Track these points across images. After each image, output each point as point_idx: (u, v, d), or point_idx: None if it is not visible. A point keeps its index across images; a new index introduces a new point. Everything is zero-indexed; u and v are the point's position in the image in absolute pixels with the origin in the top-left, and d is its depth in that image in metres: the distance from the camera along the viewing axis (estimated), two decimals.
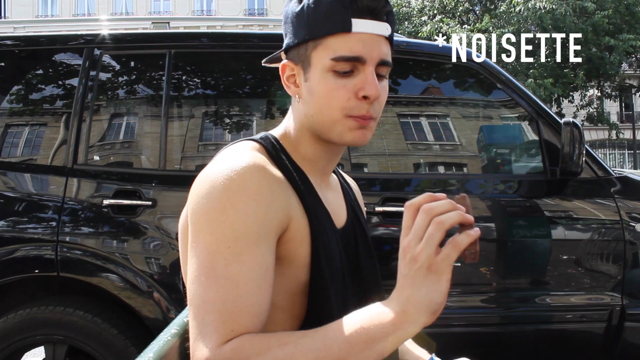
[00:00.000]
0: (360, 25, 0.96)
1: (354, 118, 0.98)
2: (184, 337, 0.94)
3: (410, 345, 1.26)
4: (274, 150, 1.03)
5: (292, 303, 0.97)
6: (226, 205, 0.89)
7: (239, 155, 0.96)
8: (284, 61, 1.04)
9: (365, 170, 2.82)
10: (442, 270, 0.79)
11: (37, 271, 2.51)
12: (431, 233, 0.79)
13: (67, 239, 2.48)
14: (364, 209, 1.28)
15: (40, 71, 2.83)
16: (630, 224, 2.65)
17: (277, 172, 0.97)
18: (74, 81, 2.69)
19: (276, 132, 1.09)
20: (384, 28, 0.99)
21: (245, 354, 0.82)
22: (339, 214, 1.10)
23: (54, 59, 2.82)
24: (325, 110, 0.99)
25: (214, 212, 0.89)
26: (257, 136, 1.07)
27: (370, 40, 0.98)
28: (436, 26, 17.59)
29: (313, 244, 0.98)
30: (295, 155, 1.05)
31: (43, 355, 2.58)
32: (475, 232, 0.80)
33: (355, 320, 0.83)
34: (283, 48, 1.04)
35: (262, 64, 1.15)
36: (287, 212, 0.95)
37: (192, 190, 0.96)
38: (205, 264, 0.87)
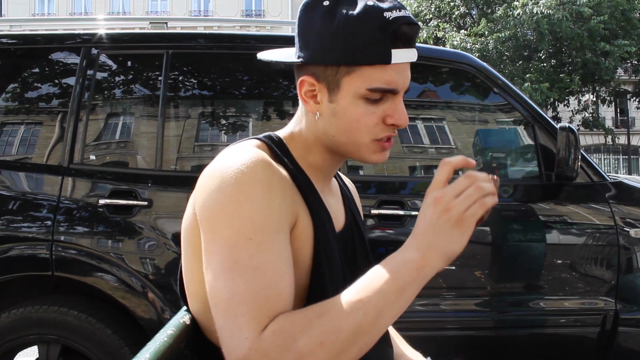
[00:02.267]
0: (398, 56, 0.95)
1: (380, 142, 1.01)
2: (180, 338, 0.94)
3: (405, 348, 1.27)
4: (279, 151, 1.03)
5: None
6: (241, 197, 0.89)
7: (246, 151, 0.95)
8: (304, 76, 1.00)
9: (361, 172, 2.82)
10: (469, 225, 0.88)
11: (31, 270, 2.50)
12: (470, 193, 0.88)
13: (62, 238, 2.48)
14: (362, 212, 1.29)
15: (37, 70, 2.82)
16: (625, 229, 2.66)
17: (283, 171, 0.97)
18: (71, 80, 2.68)
19: (282, 133, 1.08)
20: (414, 54, 0.99)
21: (290, 334, 0.82)
22: (338, 218, 1.10)
23: (50, 57, 2.81)
24: (353, 133, 0.99)
25: (229, 205, 0.89)
26: (261, 135, 1.06)
27: (403, 70, 0.98)
28: (431, 31, 17.63)
29: (315, 246, 0.98)
30: (301, 160, 1.04)
31: (36, 355, 2.57)
32: (494, 200, 0.90)
33: (382, 273, 0.86)
34: (302, 60, 1.00)
35: (258, 57, 1.10)
36: (295, 208, 0.96)
37: (199, 186, 0.95)
38: (228, 258, 0.87)
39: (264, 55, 1.09)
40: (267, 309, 0.85)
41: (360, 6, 0.94)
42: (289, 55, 1.05)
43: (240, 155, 0.94)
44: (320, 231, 0.99)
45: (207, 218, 0.91)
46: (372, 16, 0.93)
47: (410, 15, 0.96)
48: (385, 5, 0.94)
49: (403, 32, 0.95)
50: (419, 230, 0.89)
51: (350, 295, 0.86)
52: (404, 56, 0.96)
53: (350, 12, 0.94)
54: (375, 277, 0.87)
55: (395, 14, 0.94)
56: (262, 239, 0.88)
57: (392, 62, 0.95)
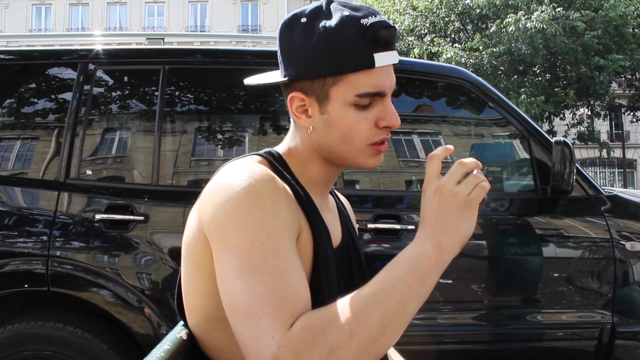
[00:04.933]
0: (380, 59, 0.98)
1: (375, 146, 1.02)
2: (176, 353, 0.93)
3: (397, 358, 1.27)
4: (280, 166, 1.04)
5: None
6: (251, 206, 0.89)
7: (250, 165, 0.96)
8: (293, 93, 1.02)
9: (357, 187, 2.83)
10: (475, 207, 0.91)
11: (27, 285, 2.49)
12: (470, 179, 0.92)
13: (58, 253, 2.47)
14: (357, 227, 1.29)
15: (34, 85, 2.83)
16: (621, 242, 2.66)
17: (285, 186, 0.98)
18: (68, 95, 2.69)
19: (280, 149, 1.09)
20: (395, 55, 1.01)
21: (318, 328, 0.82)
22: (335, 233, 1.10)
23: (47, 73, 2.82)
24: (348, 141, 1.01)
25: (239, 214, 0.89)
26: (262, 151, 1.07)
27: (387, 72, 1.01)
28: (425, 47, 17.72)
29: (315, 260, 0.98)
30: (300, 176, 1.06)
31: None
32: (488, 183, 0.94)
33: (401, 265, 0.88)
34: (288, 79, 1.02)
35: (245, 83, 1.12)
36: (298, 221, 0.97)
37: (206, 200, 0.96)
38: (244, 264, 0.87)
39: (250, 80, 1.11)
40: (290, 308, 0.84)
41: (336, 18, 0.97)
42: (274, 76, 1.06)
43: (246, 169, 0.95)
44: (320, 246, 1.00)
45: (218, 229, 0.91)
46: (349, 25, 0.96)
47: (386, 19, 0.99)
48: (360, 13, 0.97)
49: (382, 35, 0.97)
50: (428, 221, 0.91)
51: (372, 287, 0.87)
52: (386, 59, 0.99)
53: (328, 24, 0.96)
54: (394, 269, 0.88)
55: (371, 19, 0.97)
56: (275, 244, 0.88)
57: (376, 65, 0.97)
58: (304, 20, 0.99)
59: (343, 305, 0.85)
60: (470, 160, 0.93)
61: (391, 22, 0.99)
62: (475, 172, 0.93)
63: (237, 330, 0.86)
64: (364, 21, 0.96)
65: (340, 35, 0.96)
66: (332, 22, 0.96)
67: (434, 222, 0.90)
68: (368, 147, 1.02)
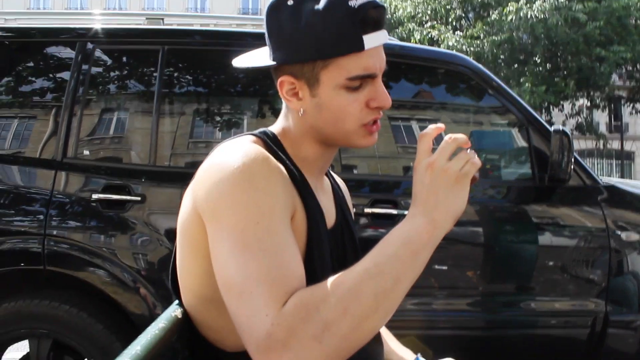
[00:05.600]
0: (370, 41, 0.96)
1: (367, 126, 1.02)
2: (171, 331, 0.94)
3: (395, 345, 1.27)
4: (275, 146, 1.03)
5: None
6: (245, 185, 0.89)
7: (245, 145, 0.96)
8: (283, 77, 1.01)
9: (355, 171, 2.83)
10: (466, 183, 0.91)
11: (23, 264, 2.50)
12: (460, 155, 0.92)
13: (55, 232, 2.47)
14: (353, 211, 1.29)
15: (31, 63, 2.81)
16: (616, 232, 2.67)
17: (280, 166, 0.97)
18: (66, 74, 2.67)
19: (275, 129, 1.08)
20: (385, 35, 1.00)
21: (312, 304, 0.82)
22: (329, 215, 1.10)
23: (45, 51, 2.80)
24: (340, 124, 1.01)
25: (233, 194, 0.89)
26: (256, 131, 1.07)
27: (377, 53, 0.99)
28: (426, 32, 17.64)
29: (308, 241, 0.98)
30: (294, 156, 1.05)
31: (27, 350, 2.56)
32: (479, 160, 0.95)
33: (394, 241, 0.88)
34: (277, 63, 1.00)
35: (233, 65, 1.11)
36: (293, 201, 0.97)
37: (199, 180, 0.96)
38: (237, 244, 0.87)
39: (239, 61, 1.10)
40: (284, 286, 0.84)
41: (324, 0, 0.95)
42: (263, 57, 1.05)
43: (240, 149, 0.94)
44: (314, 227, 1.00)
45: (212, 208, 0.91)
46: (337, 7, 0.94)
47: None
48: None
49: (371, 16, 0.96)
50: (420, 197, 0.90)
51: (365, 263, 0.86)
52: (375, 40, 0.97)
53: (316, 7, 0.95)
54: (387, 245, 0.88)
55: (359, 1, 0.95)
56: (269, 222, 0.88)
57: (366, 48, 0.96)
58: (290, 2, 0.97)
59: (336, 281, 0.85)
60: (460, 135, 0.94)
61: (393, 9, 0.97)
62: (468, 151, 0.94)
63: (232, 309, 0.86)
64: (352, 3, 0.94)
65: (328, 18, 0.94)
66: (320, 5, 0.95)
67: (426, 198, 0.90)
68: (360, 128, 1.02)
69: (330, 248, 1.05)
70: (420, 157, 0.94)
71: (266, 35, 1.03)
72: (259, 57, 1.07)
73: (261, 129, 1.08)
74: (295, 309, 0.82)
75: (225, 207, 0.89)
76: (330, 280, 0.86)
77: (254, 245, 0.86)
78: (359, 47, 0.96)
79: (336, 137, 1.03)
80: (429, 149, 0.94)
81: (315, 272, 0.98)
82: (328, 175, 1.23)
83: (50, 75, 2.78)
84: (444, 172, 0.90)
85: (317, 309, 0.82)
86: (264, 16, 1.03)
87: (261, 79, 2.86)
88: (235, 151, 0.94)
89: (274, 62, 1.01)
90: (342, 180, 1.31)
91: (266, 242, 0.87)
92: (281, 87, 1.02)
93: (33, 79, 2.79)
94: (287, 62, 0.99)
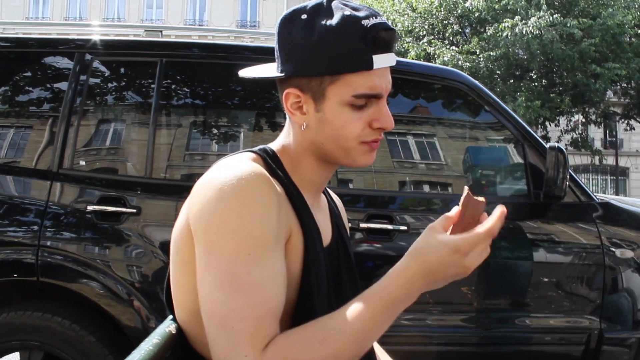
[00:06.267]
0: (379, 61, 0.97)
1: (367, 144, 1.02)
2: (165, 347, 0.93)
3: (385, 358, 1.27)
4: (274, 165, 1.03)
5: None
6: (241, 212, 0.89)
7: (243, 164, 0.96)
8: (289, 89, 1.01)
9: (351, 186, 2.83)
10: (473, 269, 0.92)
11: (16, 275, 2.48)
12: (484, 250, 0.92)
13: (49, 243, 2.46)
14: (348, 227, 1.29)
15: (29, 74, 2.82)
16: (611, 249, 2.68)
17: (277, 185, 0.98)
18: (63, 85, 2.68)
19: (274, 146, 1.08)
20: (393, 58, 1.01)
21: (291, 358, 0.85)
22: (325, 233, 1.10)
23: (43, 62, 2.81)
24: (341, 140, 1.01)
25: (229, 219, 0.89)
26: (256, 148, 1.07)
27: (385, 74, 1.00)
28: (422, 48, 17.73)
29: (305, 260, 0.98)
30: (293, 174, 1.05)
31: None
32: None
33: (379, 298, 0.90)
34: (285, 75, 1.01)
35: (240, 75, 1.11)
36: (289, 223, 0.97)
37: (195, 196, 0.95)
38: (226, 273, 0.87)
39: (246, 72, 1.10)
40: (265, 327, 0.86)
41: (337, 17, 0.96)
42: (270, 70, 1.06)
43: (239, 167, 0.94)
44: (311, 246, 1.00)
45: (204, 230, 0.91)
46: (350, 25, 0.95)
47: (387, 21, 0.99)
48: (361, 13, 0.97)
49: (382, 37, 0.97)
50: (430, 266, 0.91)
51: (349, 320, 0.89)
52: (384, 61, 0.99)
53: (329, 23, 0.96)
54: (371, 301, 0.90)
55: (372, 21, 0.96)
56: (261, 255, 0.88)
57: (375, 67, 0.97)
58: (304, 16, 0.98)
59: (320, 336, 0.87)
60: (498, 228, 0.93)
61: (390, 23, 0.99)
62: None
63: (210, 335, 0.88)
64: (364, 22, 0.96)
65: (340, 35, 0.95)
66: (333, 21, 0.96)
67: (435, 272, 0.91)
68: (360, 145, 1.02)
69: (326, 266, 1.05)
70: (448, 223, 0.94)
71: (276, 47, 1.03)
72: (267, 70, 1.07)
73: (261, 146, 1.08)
74: (275, 358, 0.84)
75: (218, 233, 0.89)
76: (313, 332, 0.88)
77: (242, 278, 0.87)
78: (368, 65, 0.96)
79: (336, 153, 1.03)
80: (454, 218, 0.95)
81: (311, 290, 0.98)
82: (324, 192, 1.23)
83: (48, 85, 2.78)
84: (464, 268, 0.91)
85: None
86: (275, 27, 1.04)
87: (258, 92, 2.87)
88: (233, 170, 0.93)
89: (282, 74, 1.01)
90: (337, 197, 1.31)
91: (255, 276, 0.87)
92: (286, 100, 1.02)
93: (31, 89, 2.79)
94: (295, 75, 1.00)
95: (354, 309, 0.90)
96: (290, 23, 1.00)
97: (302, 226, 1.00)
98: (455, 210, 0.96)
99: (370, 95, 0.99)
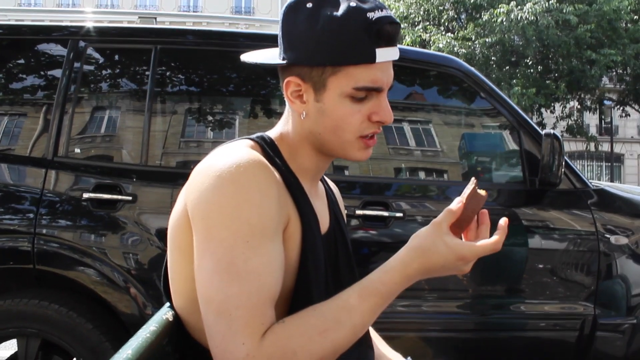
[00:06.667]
0: (381, 55, 0.97)
1: (364, 139, 1.02)
2: (162, 335, 0.94)
3: (385, 349, 1.27)
4: (272, 152, 1.03)
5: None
6: (239, 199, 0.89)
7: (242, 151, 0.96)
8: (290, 77, 1.01)
9: (347, 173, 2.83)
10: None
11: (12, 263, 2.48)
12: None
13: (45, 231, 2.46)
14: (345, 214, 1.29)
15: (22, 61, 2.79)
16: (605, 235, 2.69)
17: (276, 173, 0.98)
18: (57, 72, 2.66)
19: (272, 134, 1.08)
20: (397, 52, 1.01)
21: (289, 347, 0.86)
22: (323, 220, 1.11)
23: (37, 49, 2.79)
24: (339, 132, 1.01)
25: (227, 206, 0.89)
26: (254, 136, 1.06)
27: (387, 68, 1.00)
28: (417, 35, 17.69)
29: (303, 247, 0.99)
30: (291, 162, 1.05)
31: (15, 349, 2.54)
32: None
33: (378, 290, 0.93)
34: (286, 62, 1.00)
35: (241, 59, 1.11)
36: (287, 210, 0.97)
37: (193, 183, 0.95)
38: (224, 259, 0.87)
39: (248, 57, 1.10)
40: (262, 315, 0.87)
41: (343, 8, 0.95)
42: (272, 56, 1.05)
43: (237, 155, 0.94)
44: (309, 233, 1.00)
45: (202, 216, 0.91)
46: (355, 17, 0.95)
47: (392, 15, 0.98)
48: (367, 5, 0.96)
49: (386, 31, 0.96)
50: (431, 267, 0.94)
51: (349, 312, 0.91)
52: (387, 55, 0.98)
53: (334, 13, 0.95)
54: (371, 295, 0.92)
55: (377, 14, 0.96)
56: (259, 242, 0.89)
57: (377, 61, 0.96)
58: (309, 5, 0.97)
59: (320, 327, 0.89)
60: (502, 241, 0.97)
61: (393, 15, 0.98)
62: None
63: (207, 321, 0.88)
64: (369, 15, 0.95)
65: (344, 26, 0.94)
66: (338, 12, 0.95)
67: (433, 270, 0.94)
68: (357, 140, 1.02)
69: (325, 253, 1.06)
70: (449, 219, 0.96)
71: (279, 34, 1.02)
72: (269, 55, 1.07)
73: (258, 134, 1.07)
74: (273, 347, 0.85)
75: (216, 220, 0.89)
76: (312, 322, 0.89)
77: (239, 265, 0.87)
78: (371, 59, 0.96)
79: (333, 145, 1.03)
80: (457, 213, 0.97)
81: (309, 278, 0.98)
82: (322, 179, 1.23)
83: (42, 73, 2.77)
84: (462, 272, 0.96)
85: (294, 353, 0.86)
86: (280, 14, 1.03)
87: (253, 78, 2.86)
88: (231, 157, 0.93)
89: (284, 62, 1.01)
90: (334, 185, 1.31)
91: (252, 263, 0.88)
92: (287, 88, 1.02)
93: (24, 76, 2.77)
94: (297, 63, 0.99)
95: (353, 301, 0.91)
96: (295, 11, 0.99)
97: (300, 213, 1.00)
98: (457, 203, 0.97)
99: (371, 89, 0.99)
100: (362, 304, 0.91)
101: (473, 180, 0.98)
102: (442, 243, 0.93)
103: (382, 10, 0.97)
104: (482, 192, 0.97)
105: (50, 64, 2.75)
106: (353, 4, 0.96)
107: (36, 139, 2.61)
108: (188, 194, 0.96)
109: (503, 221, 0.97)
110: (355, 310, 0.90)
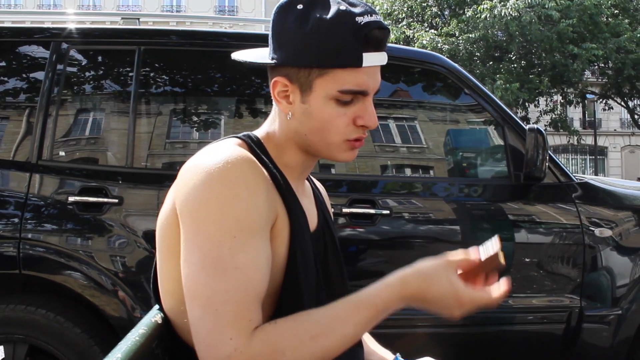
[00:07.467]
0: (369, 59, 0.97)
1: (350, 142, 1.03)
2: (151, 337, 0.93)
3: (374, 346, 1.28)
4: (259, 150, 1.04)
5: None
6: (227, 195, 0.90)
7: (228, 149, 0.96)
8: (277, 77, 1.01)
9: (333, 171, 2.84)
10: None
11: None
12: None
13: (30, 236, 2.44)
14: (332, 212, 1.30)
15: (4, 63, 2.77)
16: (590, 228, 2.72)
17: (263, 170, 0.98)
18: (40, 75, 2.63)
19: (259, 133, 1.09)
20: (385, 57, 1.01)
21: (279, 347, 0.86)
22: (311, 218, 1.11)
23: (18, 51, 2.76)
24: (324, 134, 1.01)
25: (215, 202, 0.89)
26: (241, 134, 1.07)
27: (374, 72, 1.00)
28: (401, 32, 17.74)
29: (291, 244, 0.99)
30: (277, 160, 1.06)
31: (2, 355, 2.52)
32: None
33: (371, 305, 0.93)
34: (275, 62, 1.01)
35: (232, 57, 1.11)
36: (275, 207, 0.97)
37: (181, 180, 0.95)
38: (210, 255, 0.88)
39: (239, 55, 1.10)
40: (249, 311, 0.87)
41: (333, 10, 0.96)
42: (262, 55, 1.06)
43: (225, 152, 0.94)
44: (297, 230, 1.00)
45: (190, 212, 0.91)
46: (344, 21, 0.95)
47: (381, 20, 0.99)
48: (357, 10, 0.97)
49: (374, 36, 0.97)
50: (428, 296, 0.95)
51: (343, 322, 0.91)
52: (374, 59, 0.99)
53: (324, 16, 0.96)
54: (367, 309, 0.93)
55: (366, 18, 0.96)
56: (246, 238, 0.89)
57: (364, 65, 0.97)
58: (300, 6, 0.98)
59: (312, 332, 0.89)
60: (500, 302, 0.99)
61: (382, 20, 0.99)
62: None
63: (193, 317, 0.88)
64: (359, 19, 0.95)
65: (333, 29, 0.95)
66: (328, 15, 0.96)
67: (427, 301, 0.96)
68: (343, 142, 1.03)
69: (314, 251, 1.06)
70: (461, 265, 1.00)
71: (270, 34, 1.03)
72: (259, 55, 1.07)
73: (245, 133, 1.08)
74: (262, 345, 0.85)
75: (204, 215, 0.89)
76: (305, 326, 0.89)
77: (227, 261, 0.87)
78: (358, 62, 0.97)
79: (318, 146, 1.04)
80: (471, 265, 1.00)
81: (298, 275, 0.98)
82: (308, 178, 1.23)
83: (24, 75, 2.74)
84: (451, 314, 0.97)
85: (283, 354, 0.86)
86: (272, 13, 1.04)
87: (238, 78, 2.86)
88: (219, 154, 0.94)
89: (273, 62, 1.01)
90: (320, 184, 1.31)
91: (239, 259, 0.88)
92: (274, 87, 1.03)
93: (6, 79, 2.74)
94: (284, 64, 1.00)
95: (349, 311, 0.92)
96: (285, 11, 1.00)
97: (288, 210, 1.00)
98: (474, 256, 1.00)
99: (357, 92, 0.99)
100: (357, 315, 0.92)
101: (498, 243, 1.00)
102: (447, 278, 0.95)
103: (371, 15, 0.97)
104: (502, 260, 0.99)
105: (32, 67, 2.72)
106: (343, 7, 0.96)
107: (20, 142, 2.58)
108: (177, 192, 0.96)
109: (506, 280, 1.00)
110: (349, 321, 0.91)
